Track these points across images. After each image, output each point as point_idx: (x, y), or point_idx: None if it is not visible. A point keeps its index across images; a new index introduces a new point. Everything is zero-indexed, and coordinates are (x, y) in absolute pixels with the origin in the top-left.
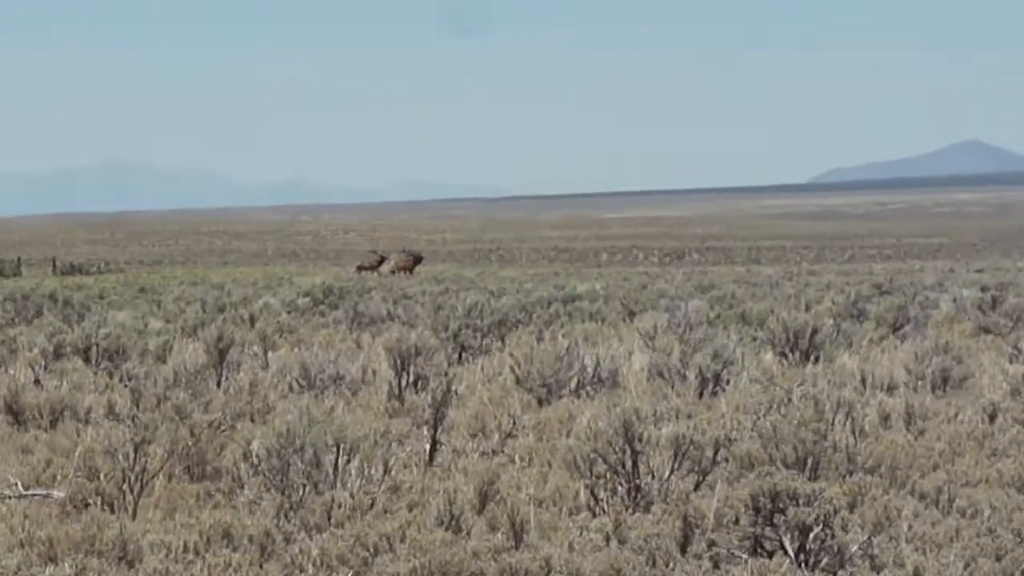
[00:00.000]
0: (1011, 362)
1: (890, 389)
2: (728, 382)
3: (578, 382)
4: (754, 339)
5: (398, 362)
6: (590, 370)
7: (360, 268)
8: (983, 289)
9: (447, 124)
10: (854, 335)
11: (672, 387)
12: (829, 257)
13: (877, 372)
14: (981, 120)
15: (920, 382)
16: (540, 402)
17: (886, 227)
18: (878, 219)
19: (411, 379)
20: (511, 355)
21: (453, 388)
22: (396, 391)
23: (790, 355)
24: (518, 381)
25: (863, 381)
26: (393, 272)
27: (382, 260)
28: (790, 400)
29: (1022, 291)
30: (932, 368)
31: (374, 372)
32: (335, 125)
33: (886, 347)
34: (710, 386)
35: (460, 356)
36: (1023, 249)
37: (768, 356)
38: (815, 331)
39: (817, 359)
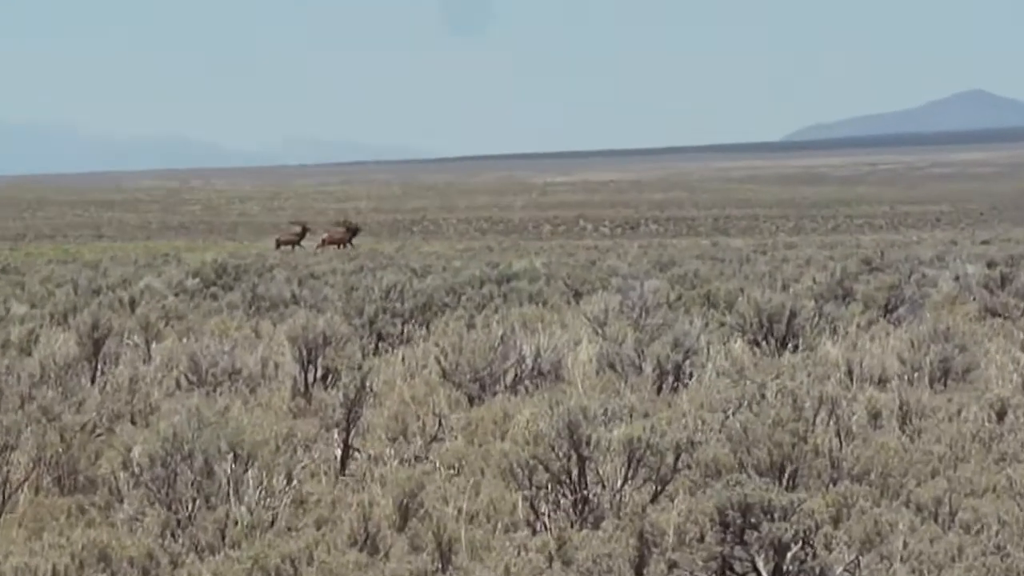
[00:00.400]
0: (1023, 350)
1: (881, 382)
2: (691, 375)
3: (515, 376)
4: (722, 324)
5: (304, 353)
6: (529, 362)
7: (280, 243)
8: (990, 264)
9: (358, 77)
10: (839, 319)
11: (625, 381)
12: (809, 228)
13: (866, 362)
14: (984, 67)
15: (916, 374)
16: (471, 400)
17: (876, 192)
18: (866, 183)
19: (319, 373)
20: (437, 345)
21: (369, 384)
22: (302, 387)
23: (764, 343)
24: (445, 375)
25: (849, 373)
26: (322, 246)
27: (304, 232)
28: (764, 396)
29: None
30: (930, 358)
31: (276, 365)
32: (218, 74)
33: (876, 333)
34: (670, 380)
35: (377, 346)
36: None
37: (738, 344)
38: (793, 315)
39: (796, 347)
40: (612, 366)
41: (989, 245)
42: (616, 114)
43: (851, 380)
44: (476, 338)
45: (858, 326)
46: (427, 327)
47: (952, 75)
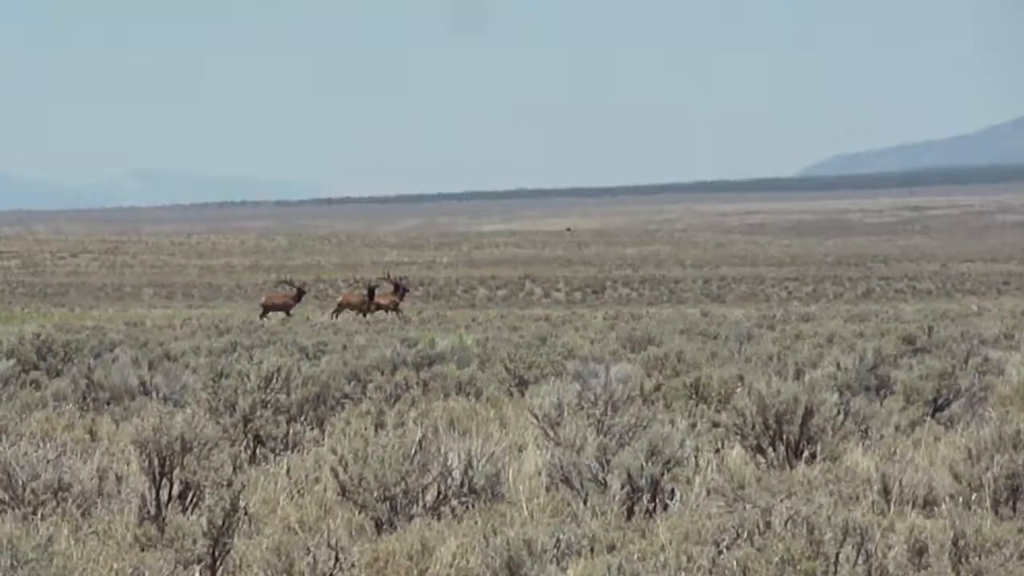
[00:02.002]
0: None
1: (928, 505)
2: (673, 494)
3: (438, 494)
4: (714, 425)
5: (156, 463)
6: (457, 475)
7: (268, 307)
8: None
9: (229, 96)
10: (871, 419)
11: (585, 502)
12: (832, 293)
13: (908, 478)
14: None
15: (976, 495)
16: (379, 526)
17: (921, 245)
18: (908, 233)
19: (176, 490)
20: (334, 451)
21: (242, 504)
22: (152, 509)
23: (770, 451)
24: (344, 492)
25: (885, 492)
26: (338, 312)
27: (301, 294)
28: (769, 524)
29: None
30: (995, 472)
31: (118, 479)
32: (48, 97)
33: (922, 438)
34: (644, 500)
35: (254, 453)
36: None
37: (736, 452)
38: (810, 412)
39: (813, 457)
40: (567, 481)
41: None
42: (574, 142)
43: (887, 502)
44: (386, 442)
45: (897, 428)
46: (321, 427)
47: (1020, 92)
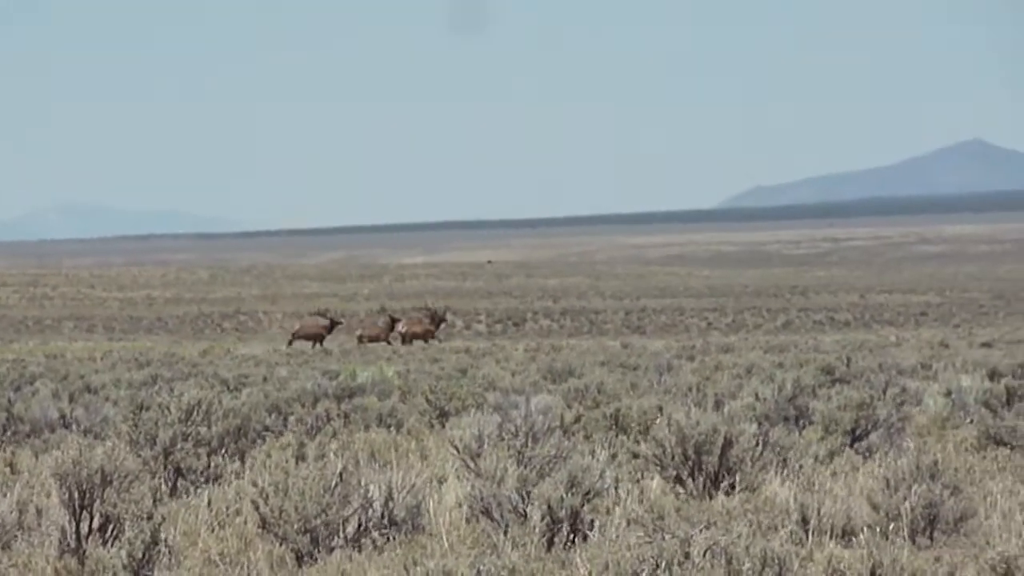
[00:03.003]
0: None
1: (846, 535)
2: (593, 525)
3: (359, 526)
4: (634, 456)
5: (76, 496)
6: (378, 507)
7: (297, 337)
8: (992, 375)
9: (152, 130)
10: (790, 449)
11: (505, 533)
12: (751, 324)
13: (826, 508)
14: (983, 112)
15: (893, 524)
16: (299, 558)
17: (840, 276)
18: (827, 264)
19: (96, 523)
20: (254, 484)
21: (163, 537)
22: (72, 542)
23: (690, 481)
24: (265, 525)
25: (804, 523)
26: (365, 340)
27: (333, 325)
28: (688, 555)
29: None
30: (912, 502)
31: (39, 512)
32: None
33: (840, 468)
34: (564, 531)
35: (175, 486)
36: None
37: (655, 483)
38: (729, 443)
39: (732, 487)
40: (487, 512)
41: (991, 348)
42: (495, 175)
43: (805, 532)
44: (307, 474)
45: (816, 458)
46: (242, 459)
47: (941, 123)
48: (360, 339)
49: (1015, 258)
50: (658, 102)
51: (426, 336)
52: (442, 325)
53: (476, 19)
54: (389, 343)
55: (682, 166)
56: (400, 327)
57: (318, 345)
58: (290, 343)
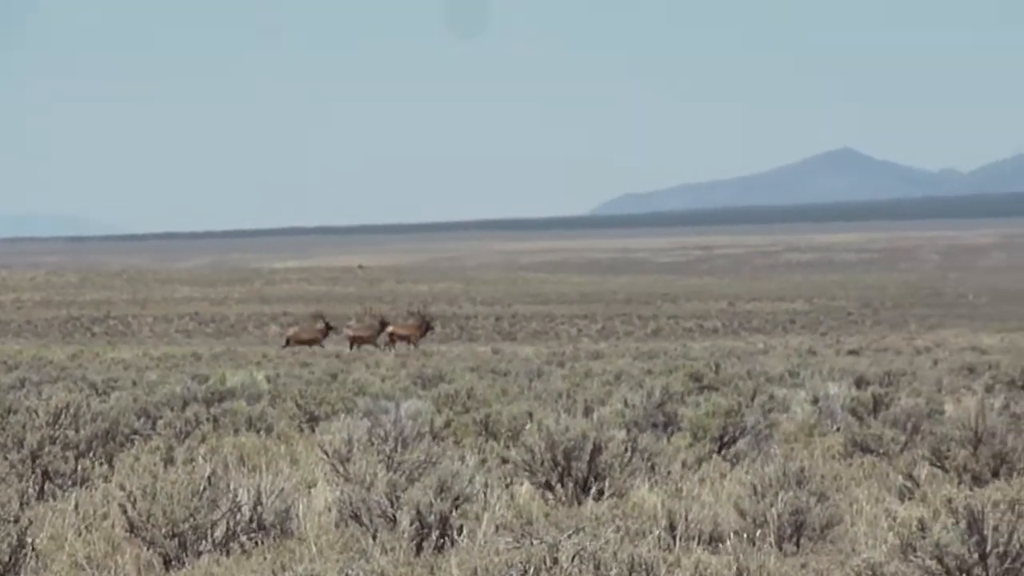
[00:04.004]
0: (902, 499)
1: (713, 541)
2: (462, 530)
3: (228, 530)
4: (504, 462)
5: None
6: (247, 511)
7: (292, 341)
8: (859, 383)
9: (11, 125)
10: (658, 455)
11: (374, 538)
12: (622, 331)
13: (694, 514)
14: (853, 121)
15: (760, 531)
16: (167, 562)
17: (710, 284)
18: (697, 271)
19: None
20: (122, 487)
21: (29, 540)
22: None
23: (559, 487)
24: (133, 528)
25: (671, 528)
26: (354, 345)
27: (328, 329)
28: (556, 560)
29: (920, 385)
30: (779, 508)
31: None
32: None
33: (708, 474)
34: (433, 536)
35: (42, 489)
36: (922, 317)
37: (525, 488)
38: (598, 449)
39: (600, 493)
40: (356, 517)
41: (858, 356)
42: (364, 180)
43: (673, 538)
44: (176, 478)
45: (684, 465)
46: (110, 463)
47: (812, 132)
48: (352, 341)
49: (882, 267)
50: (528, 108)
51: (410, 339)
52: (429, 331)
53: (365, 21)
54: (377, 345)
55: (554, 173)
56: (388, 329)
57: (315, 345)
58: (286, 345)
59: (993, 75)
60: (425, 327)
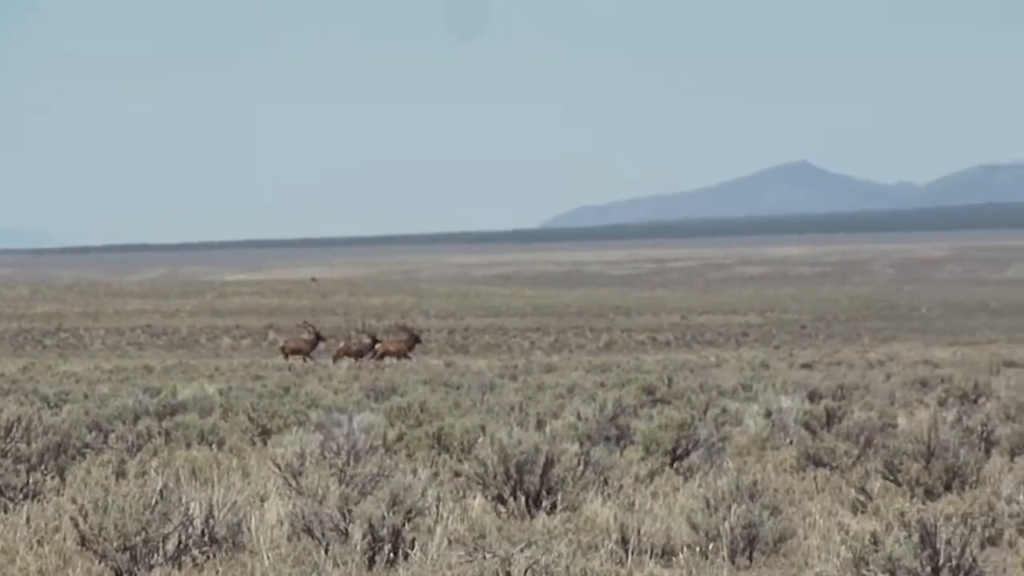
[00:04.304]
0: (855, 513)
1: (666, 555)
2: (414, 544)
3: (179, 543)
4: (456, 475)
5: None
6: (199, 524)
7: (287, 351)
8: (812, 396)
9: None
10: (611, 469)
11: (326, 551)
12: (574, 344)
13: (646, 528)
14: (808, 135)
15: (713, 544)
16: (119, 575)
17: (663, 297)
18: (650, 284)
19: None
20: (74, 500)
21: None
22: None
23: (511, 500)
24: (84, 542)
25: (624, 542)
26: (339, 357)
27: (318, 339)
28: (509, 574)
29: (873, 399)
30: (732, 522)
31: None
32: None
33: (661, 488)
34: (386, 550)
35: None
36: (876, 330)
37: (477, 502)
38: (550, 462)
39: (553, 506)
40: (309, 530)
41: (811, 370)
42: (315, 192)
43: (626, 552)
44: (128, 492)
45: (636, 478)
46: (62, 476)
47: (768, 144)
48: (337, 354)
49: (836, 280)
50: (479, 120)
51: (399, 354)
52: (416, 345)
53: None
54: (357, 359)
55: (508, 185)
56: (378, 345)
57: (306, 358)
58: (284, 356)
59: (950, 88)
60: (413, 341)
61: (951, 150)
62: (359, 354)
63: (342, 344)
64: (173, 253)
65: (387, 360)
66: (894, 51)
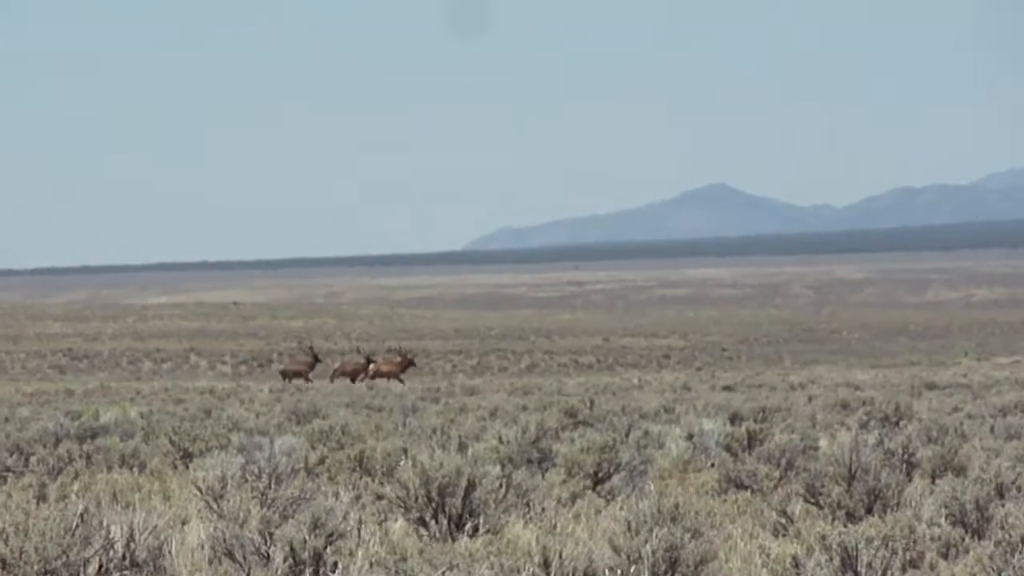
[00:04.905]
0: (776, 536)
1: None
2: (335, 567)
3: (100, 567)
4: (378, 498)
5: None
6: (120, 548)
7: (288, 374)
8: (734, 419)
9: None
10: (533, 491)
11: (248, 574)
12: (496, 366)
13: (568, 551)
14: (727, 157)
15: (635, 567)
16: None
17: (584, 320)
18: (572, 307)
19: None
20: None
21: None
22: None
23: (433, 523)
24: (5, 566)
25: (546, 565)
26: (347, 375)
27: (316, 360)
28: None
29: (794, 421)
30: (653, 545)
31: None
32: None
33: (583, 510)
34: (307, 574)
35: None
36: (797, 353)
37: (399, 525)
38: (472, 485)
39: (475, 529)
40: (230, 554)
41: (733, 392)
42: (236, 216)
43: (547, 575)
44: (48, 515)
45: (558, 501)
46: None
47: (686, 167)
48: (334, 374)
49: (757, 302)
50: (399, 143)
51: (390, 376)
52: (409, 368)
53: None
54: (353, 380)
55: (429, 208)
56: (371, 367)
57: (306, 379)
58: (284, 379)
59: (869, 112)
60: (406, 364)
61: (870, 173)
62: (355, 374)
63: (337, 364)
64: (94, 276)
65: (377, 381)
66: (812, 74)
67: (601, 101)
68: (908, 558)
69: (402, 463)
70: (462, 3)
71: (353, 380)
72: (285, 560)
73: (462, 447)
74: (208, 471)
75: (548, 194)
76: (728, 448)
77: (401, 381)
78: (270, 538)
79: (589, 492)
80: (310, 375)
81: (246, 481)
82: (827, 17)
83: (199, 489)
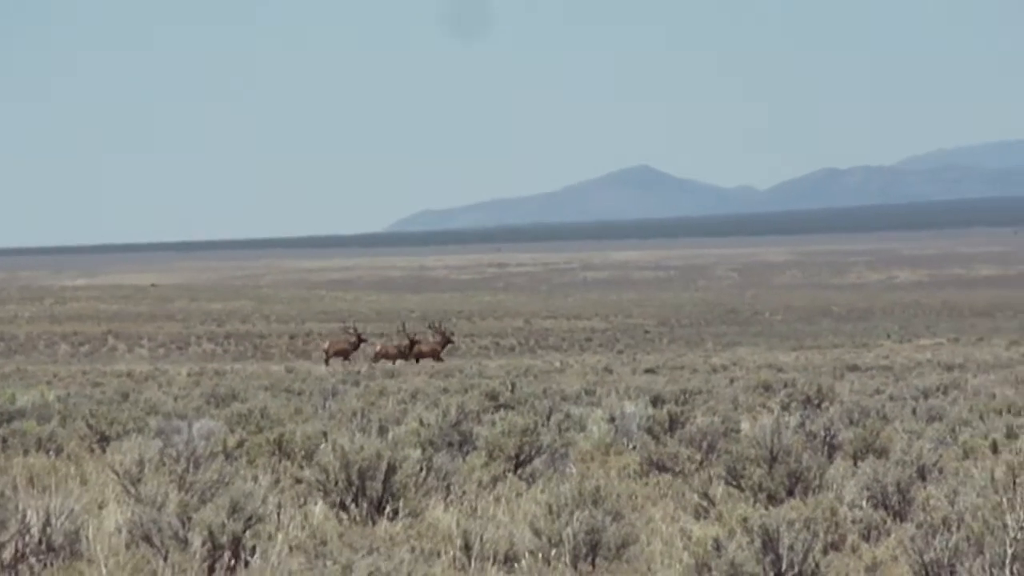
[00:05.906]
0: (698, 518)
1: (508, 561)
2: (254, 551)
3: (16, 552)
4: (298, 481)
5: None
6: (36, 532)
7: (330, 354)
8: (656, 401)
9: None
10: (454, 475)
11: (165, 559)
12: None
13: (489, 534)
14: (649, 142)
15: (555, 550)
16: None
17: (506, 301)
18: (492, 289)
19: None
20: None
21: None
22: None
23: (353, 507)
24: None
25: (467, 548)
26: (377, 360)
27: (360, 341)
28: None
29: (716, 403)
30: (574, 528)
31: None
32: None
33: (504, 494)
34: (226, 557)
35: None
36: (719, 335)
37: (319, 508)
38: (392, 469)
39: (395, 513)
40: (148, 538)
41: (655, 374)
42: (153, 195)
43: (468, 558)
44: None
45: (479, 484)
46: None
47: (608, 149)
48: (376, 356)
49: (679, 284)
50: (321, 124)
51: (433, 355)
52: (449, 345)
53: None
54: (396, 361)
55: (349, 189)
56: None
57: (347, 359)
58: (326, 360)
59: (792, 93)
60: (445, 342)
61: (793, 155)
62: (397, 355)
63: (379, 347)
64: (10, 258)
65: (395, 363)
66: (735, 54)
67: (526, 84)
68: (830, 540)
69: (322, 447)
70: None
71: (394, 361)
72: (204, 544)
73: (382, 430)
74: (126, 455)
75: (471, 176)
76: (650, 431)
77: (440, 359)
78: (188, 522)
79: (510, 475)
80: (351, 355)
81: (164, 465)
82: None
83: (116, 473)
